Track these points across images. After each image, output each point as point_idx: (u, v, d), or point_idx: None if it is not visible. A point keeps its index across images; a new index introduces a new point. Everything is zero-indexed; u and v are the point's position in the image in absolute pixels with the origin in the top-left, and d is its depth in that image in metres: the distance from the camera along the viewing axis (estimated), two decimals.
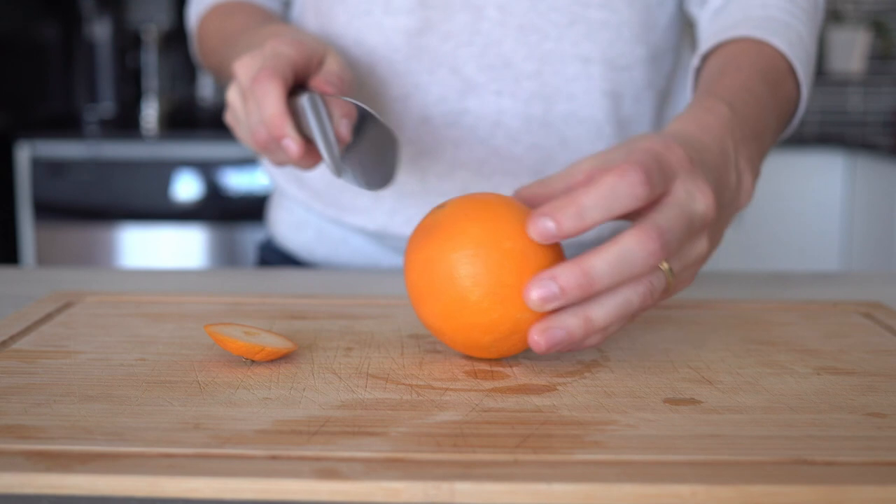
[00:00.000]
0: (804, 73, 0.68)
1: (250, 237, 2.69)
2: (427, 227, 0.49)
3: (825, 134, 3.01)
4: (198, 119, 3.10)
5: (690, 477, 0.36)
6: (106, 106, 3.11)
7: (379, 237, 0.83)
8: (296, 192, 0.86)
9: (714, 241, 0.52)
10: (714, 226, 0.51)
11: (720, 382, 0.47)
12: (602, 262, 0.45)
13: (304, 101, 0.60)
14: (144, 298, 0.64)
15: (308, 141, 0.62)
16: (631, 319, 0.48)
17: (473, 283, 0.47)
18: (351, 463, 0.37)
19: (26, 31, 2.95)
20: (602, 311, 0.46)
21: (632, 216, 0.48)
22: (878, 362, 0.51)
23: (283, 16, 0.89)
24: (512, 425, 0.41)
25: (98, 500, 0.35)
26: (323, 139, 0.59)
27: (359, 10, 0.78)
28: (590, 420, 0.42)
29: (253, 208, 2.64)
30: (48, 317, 0.59)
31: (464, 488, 0.35)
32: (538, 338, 0.46)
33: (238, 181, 2.70)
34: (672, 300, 0.65)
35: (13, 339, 0.54)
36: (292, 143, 0.60)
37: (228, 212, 2.71)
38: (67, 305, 0.62)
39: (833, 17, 3.04)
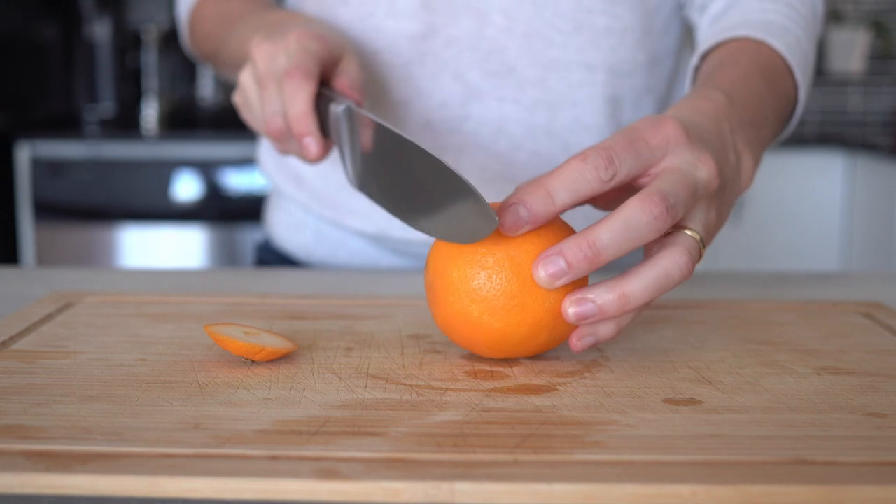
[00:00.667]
0: (802, 76, 0.68)
1: (250, 237, 2.69)
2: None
3: (825, 134, 3.00)
4: (198, 119, 3.10)
5: (690, 477, 0.36)
6: (106, 106, 3.11)
7: (378, 240, 0.82)
8: (294, 192, 0.86)
9: (721, 218, 0.53)
10: (719, 199, 0.51)
11: (720, 382, 0.47)
12: (606, 232, 0.45)
13: (340, 110, 0.58)
14: (144, 299, 0.64)
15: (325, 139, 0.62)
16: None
17: (491, 287, 0.47)
18: (351, 463, 0.37)
19: (26, 31, 2.95)
20: (640, 286, 0.46)
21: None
22: (878, 362, 0.51)
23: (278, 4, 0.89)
24: (512, 425, 0.41)
25: (98, 500, 0.35)
26: (351, 151, 0.58)
27: (362, 13, 0.77)
28: (590, 420, 0.42)
29: (253, 208, 2.64)
30: (48, 317, 0.59)
31: (464, 488, 0.35)
32: (571, 309, 0.46)
33: (238, 181, 2.70)
34: (672, 300, 0.65)
35: (13, 339, 0.54)
36: (314, 143, 0.60)
37: (228, 212, 2.71)
38: (67, 306, 0.62)
39: (833, 17, 3.04)
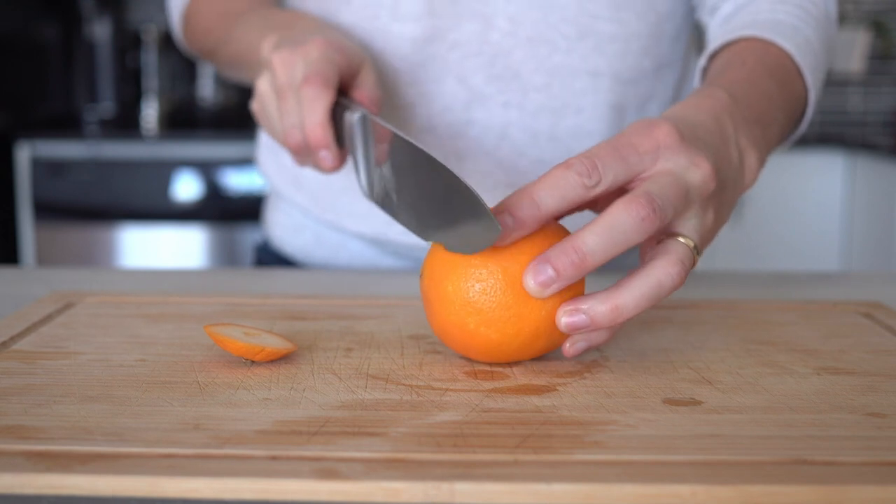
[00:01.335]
0: (812, 77, 0.67)
1: (250, 237, 2.69)
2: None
3: (825, 134, 3.00)
4: (198, 119, 3.10)
5: (690, 477, 0.36)
6: (106, 106, 3.11)
7: (377, 242, 0.82)
8: (293, 195, 0.85)
9: (720, 219, 0.52)
10: (717, 200, 0.51)
11: (720, 382, 0.47)
12: (592, 236, 0.45)
13: (355, 119, 0.58)
14: (144, 299, 0.64)
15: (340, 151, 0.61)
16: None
17: (486, 299, 0.47)
18: (351, 463, 0.37)
19: (26, 31, 2.95)
20: (630, 297, 0.46)
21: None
22: (878, 362, 0.51)
23: None
24: (512, 425, 0.41)
25: (98, 500, 0.35)
26: (365, 161, 0.57)
27: (365, 14, 0.77)
28: (590, 420, 0.42)
29: (253, 208, 2.64)
30: (48, 317, 0.59)
31: (464, 488, 0.35)
32: (564, 318, 0.46)
33: (238, 181, 2.70)
34: (672, 300, 0.64)
35: (13, 339, 0.54)
36: (329, 156, 0.60)
37: (228, 212, 2.71)
38: (67, 306, 0.62)
39: None
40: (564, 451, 0.38)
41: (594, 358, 0.52)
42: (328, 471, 0.36)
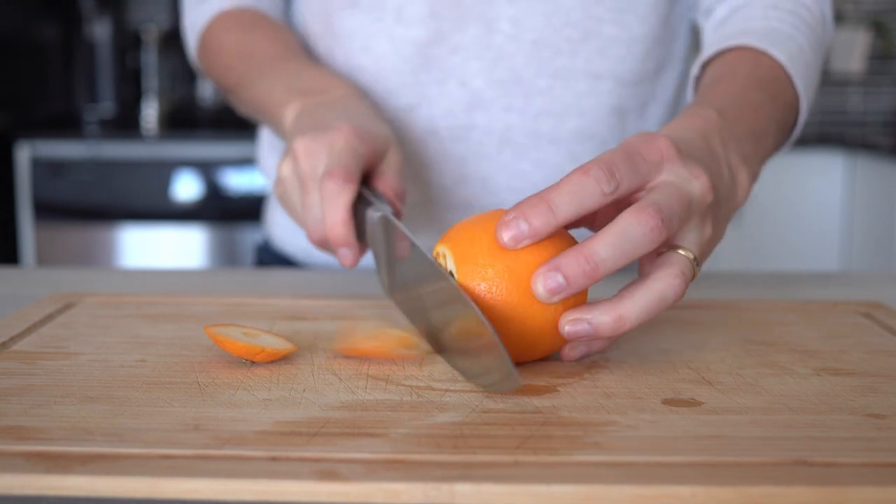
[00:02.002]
0: (803, 86, 0.68)
1: (250, 237, 2.69)
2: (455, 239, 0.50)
3: (825, 134, 3.00)
4: (198, 119, 3.10)
5: (690, 478, 0.36)
6: (106, 106, 3.11)
7: None
8: None
9: (716, 234, 0.53)
10: (714, 214, 0.51)
11: (720, 383, 0.47)
12: (603, 245, 0.45)
13: (376, 218, 0.56)
14: (144, 299, 0.64)
15: (362, 244, 0.60)
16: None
17: (491, 298, 0.47)
18: (351, 464, 0.37)
19: (26, 31, 2.95)
20: (634, 308, 0.46)
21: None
22: (878, 362, 0.51)
23: (286, 19, 0.86)
24: (512, 426, 0.41)
25: (98, 500, 0.35)
26: (386, 259, 0.55)
27: (370, 18, 0.77)
28: (590, 421, 0.42)
29: (253, 208, 2.64)
30: (48, 318, 0.59)
31: (464, 489, 0.35)
32: (567, 327, 0.46)
33: (238, 181, 2.70)
34: None
35: (13, 340, 0.54)
36: (349, 255, 0.59)
37: (228, 212, 2.71)
38: (67, 306, 0.62)
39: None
40: (564, 452, 0.38)
41: (594, 358, 0.52)
42: (328, 472, 0.36)
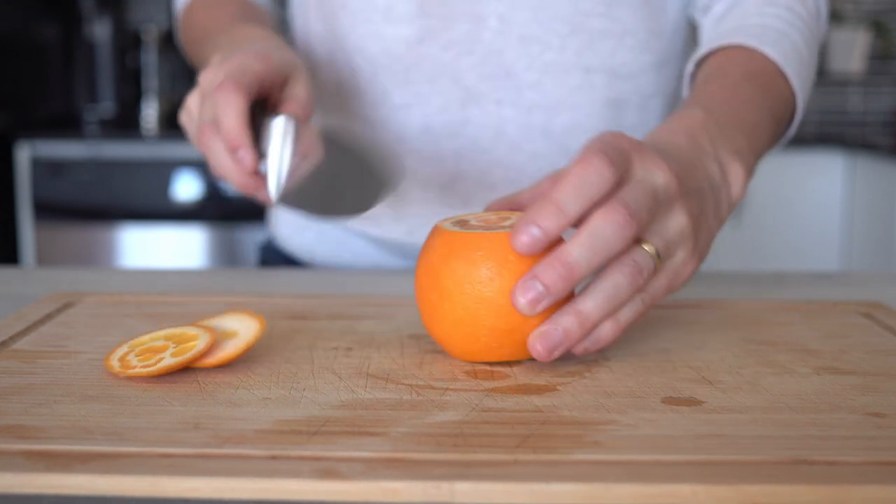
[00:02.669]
0: (798, 83, 0.68)
1: (250, 237, 2.69)
2: (440, 240, 0.50)
3: (825, 134, 3.00)
4: None
5: (690, 477, 0.36)
6: (106, 106, 3.11)
7: (381, 242, 0.82)
8: None
9: (701, 226, 0.52)
10: (686, 205, 0.51)
11: (720, 382, 0.47)
12: (576, 248, 0.45)
13: (274, 122, 0.59)
14: (144, 299, 0.64)
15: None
16: (636, 311, 0.49)
17: (492, 288, 0.47)
18: (351, 463, 0.37)
19: (26, 31, 2.95)
20: (592, 302, 0.47)
21: None
22: (878, 362, 0.51)
23: (271, 10, 0.87)
24: (512, 425, 0.41)
25: (98, 500, 0.35)
26: (278, 163, 0.58)
27: (361, 18, 0.77)
28: (590, 420, 0.42)
29: (253, 208, 2.64)
30: (48, 317, 0.59)
31: (464, 488, 0.35)
32: (538, 345, 0.46)
33: None
34: (672, 300, 0.64)
35: (13, 339, 0.54)
36: (247, 155, 0.59)
37: (228, 212, 2.71)
38: (67, 306, 0.62)
39: (833, 17, 3.04)
40: (564, 450, 0.38)
41: (594, 358, 0.52)
42: (328, 470, 0.36)
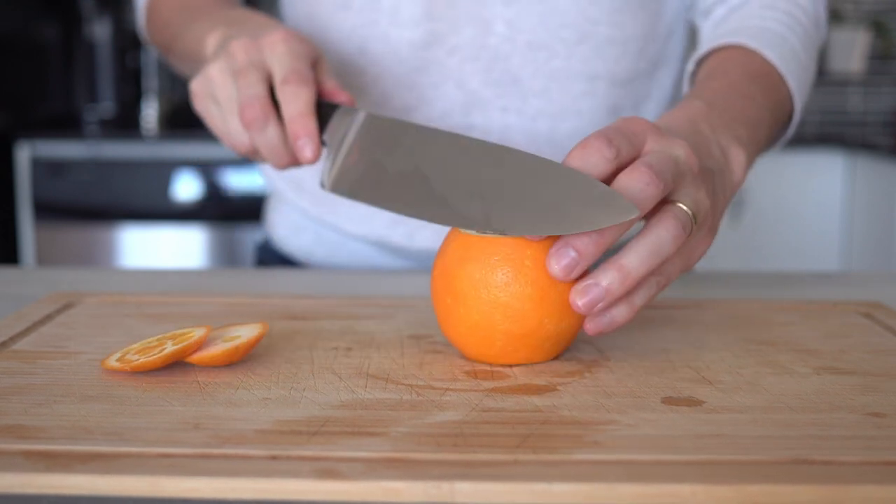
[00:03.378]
0: (796, 86, 0.68)
1: (250, 237, 2.69)
2: (456, 244, 0.50)
3: (825, 134, 3.00)
4: (198, 119, 3.09)
5: (690, 477, 0.36)
6: (106, 106, 3.11)
7: (379, 244, 0.82)
8: (294, 197, 0.85)
9: (715, 207, 0.53)
10: (705, 183, 0.52)
11: (720, 382, 0.47)
12: None
13: (358, 117, 0.58)
14: (144, 299, 0.64)
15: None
16: (650, 294, 0.49)
17: (509, 291, 0.47)
18: (351, 463, 0.37)
19: (26, 31, 2.95)
20: (635, 258, 0.46)
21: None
22: (878, 362, 0.51)
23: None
24: (512, 425, 0.41)
25: (98, 500, 0.35)
26: (345, 154, 0.58)
27: (364, 19, 0.76)
28: (590, 420, 0.42)
29: (253, 208, 2.64)
30: (48, 317, 0.59)
31: (464, 488, 0.35)
32: (578, 300, 0.46)
33: (238, 181, 2.70)
34: (672, 300, 0.65)
35: (13, 339, 0.54)
36: (311, 145, 0.59)
37: (228, 212, 2.71)
38: (67, 306, 0.62)
39: (833, 17, 3.04)
40: (564, 450, 0.38)
41: (594, 358, 0.52)
42: (328, 470, 0.36)
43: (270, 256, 0.93)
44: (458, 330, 0.49)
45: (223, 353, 0.48)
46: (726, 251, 2.72)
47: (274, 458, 0.37)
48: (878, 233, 2.61)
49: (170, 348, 0.47)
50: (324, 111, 0.60)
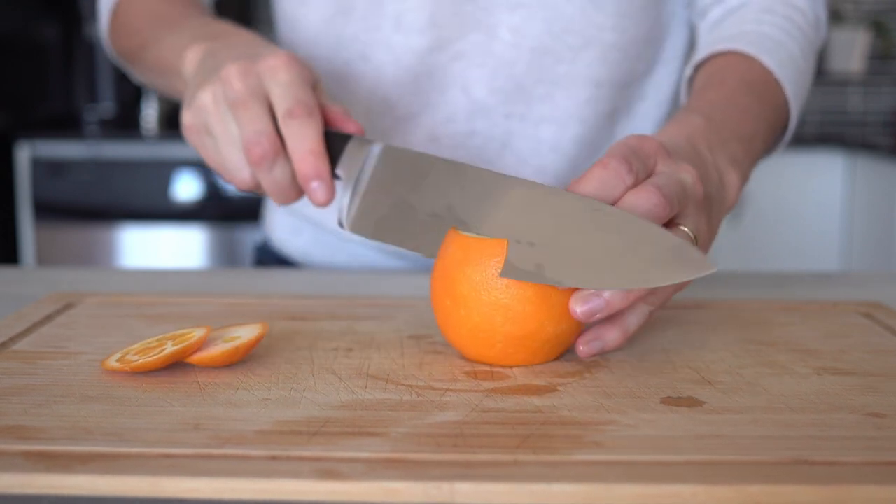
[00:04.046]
0: (793, 92, 0.68)
1: (250, 237, 2.69)
2: (456, 246, 0.50)
3: (825, 134, 3.00)
4: None
5: (690, 477, 0.36)
6: (106, 106, 3.11)
7: (379, 247, 0.82)
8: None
9: (711, 231, 0.54)
10: (707, 210, 0.53)
11: (720, 383, 0.47)
12: None
13: (375, 149, 0.55)
14: (144, 299, 0.64)
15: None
16: (642, 319, 0.50)
17: (510, 293, 0.47)
18: (351, 463, 0.37)
19: (26, 31, 2.95)
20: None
21: None
22: (878, 362, 0.51)
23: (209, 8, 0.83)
24: (512, 426, 0.41)
25: (98, 500, 0.35)
26: (363, 189, 0.55)
27: (367, 25, 0.76)
28: (590, 420, 0.42)
29: (253, 209, 2.64)
30: (48, 318, 0.59)
31: (464, 489, 0.35)
32: (577, 307, 0.47)
33: None
34: (672, 300, 0.64)
35: (13, 340, 0.54)
36: (322, 189, 0.55)
37: (228, 212, 2.71)
38: (67, 306, 0.62)
39: (833, 17, 3.04)
40: (564, 451, 0.38)
41: (594, 358, 0.52)
42: (328, 471, 0.36)
43: (269, 257, 0.93)
44: (458, 332, 0.49)
45: (223, 353, 0.48)
46: (726, 251, 2.73)
47: (274, 458, 0.37)
48: (878, 233, 2.61)
49: (170, 349, 0.47)
50: (334, 142, 0.57)
